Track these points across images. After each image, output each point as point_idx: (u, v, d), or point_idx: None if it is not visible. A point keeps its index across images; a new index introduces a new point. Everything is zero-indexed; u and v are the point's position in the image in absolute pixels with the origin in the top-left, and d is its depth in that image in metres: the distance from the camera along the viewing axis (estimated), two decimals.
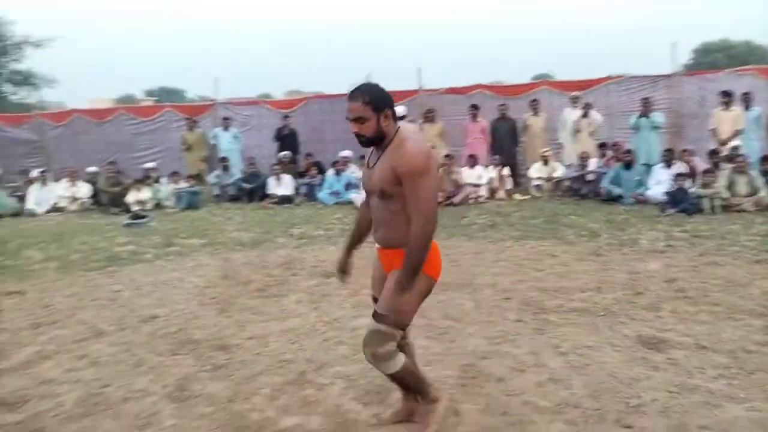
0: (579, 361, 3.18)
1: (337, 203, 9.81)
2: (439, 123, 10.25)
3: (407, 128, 2.33)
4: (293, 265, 5.59)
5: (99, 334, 3.99)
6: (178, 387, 3.08)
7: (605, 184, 8.77)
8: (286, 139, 11.34)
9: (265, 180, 10.60)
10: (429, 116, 10.12)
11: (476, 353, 3.38)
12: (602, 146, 9.78)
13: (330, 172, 10.33)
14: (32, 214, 10.35)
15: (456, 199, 9.13)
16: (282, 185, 10.31)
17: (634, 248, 5.83)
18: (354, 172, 10.40)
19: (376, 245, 2.45)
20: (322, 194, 10.13)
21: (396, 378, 2.40)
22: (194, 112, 12.62)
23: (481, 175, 9.76)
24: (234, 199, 10.73)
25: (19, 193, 10.96)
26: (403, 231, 2.25)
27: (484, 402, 2.77)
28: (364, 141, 2.27)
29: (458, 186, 9.36)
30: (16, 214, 10.36)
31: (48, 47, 19.03)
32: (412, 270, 2.23)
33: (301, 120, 11.98)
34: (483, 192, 9.62)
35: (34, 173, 11.11)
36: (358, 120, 2.21)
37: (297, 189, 10.50)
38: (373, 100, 2.20)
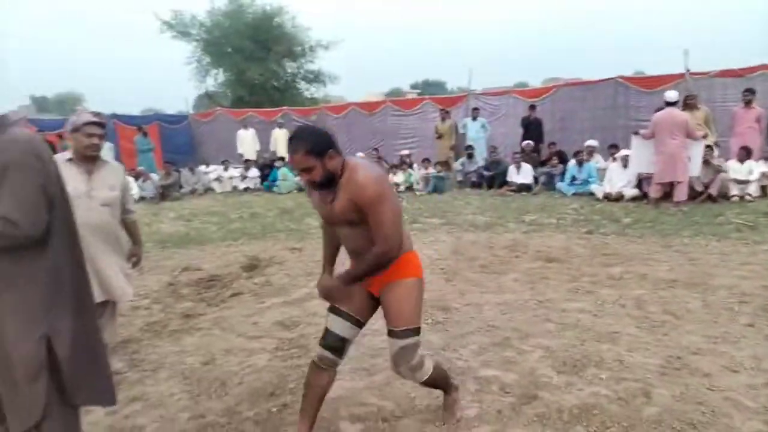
0: None
1: (575, 194, 9.68)
2: (702, 110, 9.20)
3: (352, 158, 2.30)
4: (518, 248, 5.92)
5: None
6: None
7: None
8: (531, 127, 11.54)
9: (506, 168, 10.94)
10: (690, 103, 9.16)
11: (688, 348, 3.31)
12: None
13: (571, 162, 10.19)
14: None
15: (713, 191, 8.23)
16: (521, 173, 10.55)
17: None
18: (598, 162, 10.09)
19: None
20: (561, 184, 10.10)
21: (428, 383, 2.51)
22: (450, 103, 13.49)
23: (751, 170, 8.56)
24: (475, 185, 11.35)
25: None
26: None
27: (681, 391, 2.79)
28: (317, 186, 2.24)
29: (718, 172, 8.41)
30: (301, 189, 12.68)
31: (334, 50, 22.21)
32: (355, 279, 2.33)
33: (548, 108, 11.99)
34: (752, 190, 8.43)
35: None
36: (306, 170, 2.19)
37: (536, 178, 10.64)
38: (314, 147, 2.16)
